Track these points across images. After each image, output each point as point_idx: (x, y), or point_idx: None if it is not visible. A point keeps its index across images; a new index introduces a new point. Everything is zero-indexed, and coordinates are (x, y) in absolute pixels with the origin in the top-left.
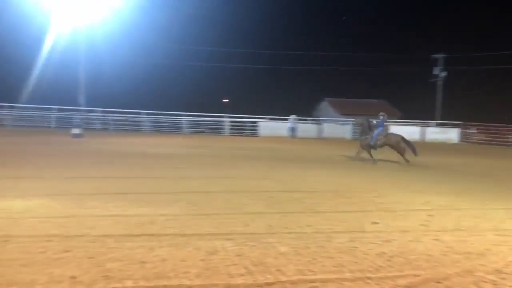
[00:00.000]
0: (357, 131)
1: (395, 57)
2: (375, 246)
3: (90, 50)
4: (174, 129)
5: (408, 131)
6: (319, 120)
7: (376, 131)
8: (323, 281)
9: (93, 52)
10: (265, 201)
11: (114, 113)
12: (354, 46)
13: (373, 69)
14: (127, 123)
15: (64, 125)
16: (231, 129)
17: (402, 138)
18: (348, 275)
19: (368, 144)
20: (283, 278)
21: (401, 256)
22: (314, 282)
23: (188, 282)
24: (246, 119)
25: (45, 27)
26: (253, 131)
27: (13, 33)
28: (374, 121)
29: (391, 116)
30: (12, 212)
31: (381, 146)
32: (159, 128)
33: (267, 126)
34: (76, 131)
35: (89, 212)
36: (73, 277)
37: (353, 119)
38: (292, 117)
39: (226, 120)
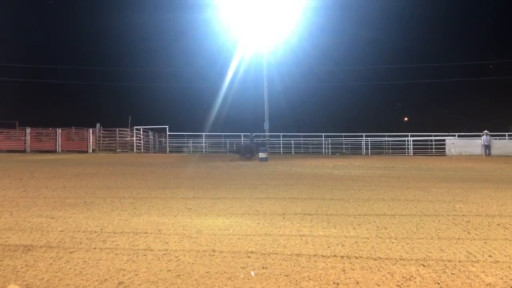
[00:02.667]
0: None
1: None
2: None
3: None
4: (355, 150)
5: None
6: None
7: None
8: None
9: (270, 79)
10: (461, 226)
11: (295, 137)
12: None
13: None
14: (307, 146)
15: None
16: (414, 148)
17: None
18: None
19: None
20: None
21: None
22: None
23: None
24: (432, 137)
25: (226, 63)
26: (439, 149)
27: (200, 73)
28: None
29: None
30: (215, 229)
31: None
32: (339, 150)
33: (455, 143)
34: (262, 155)
35: (280, 231)
36: None
37: None
38: (485, 133)
39: (409, 139)
